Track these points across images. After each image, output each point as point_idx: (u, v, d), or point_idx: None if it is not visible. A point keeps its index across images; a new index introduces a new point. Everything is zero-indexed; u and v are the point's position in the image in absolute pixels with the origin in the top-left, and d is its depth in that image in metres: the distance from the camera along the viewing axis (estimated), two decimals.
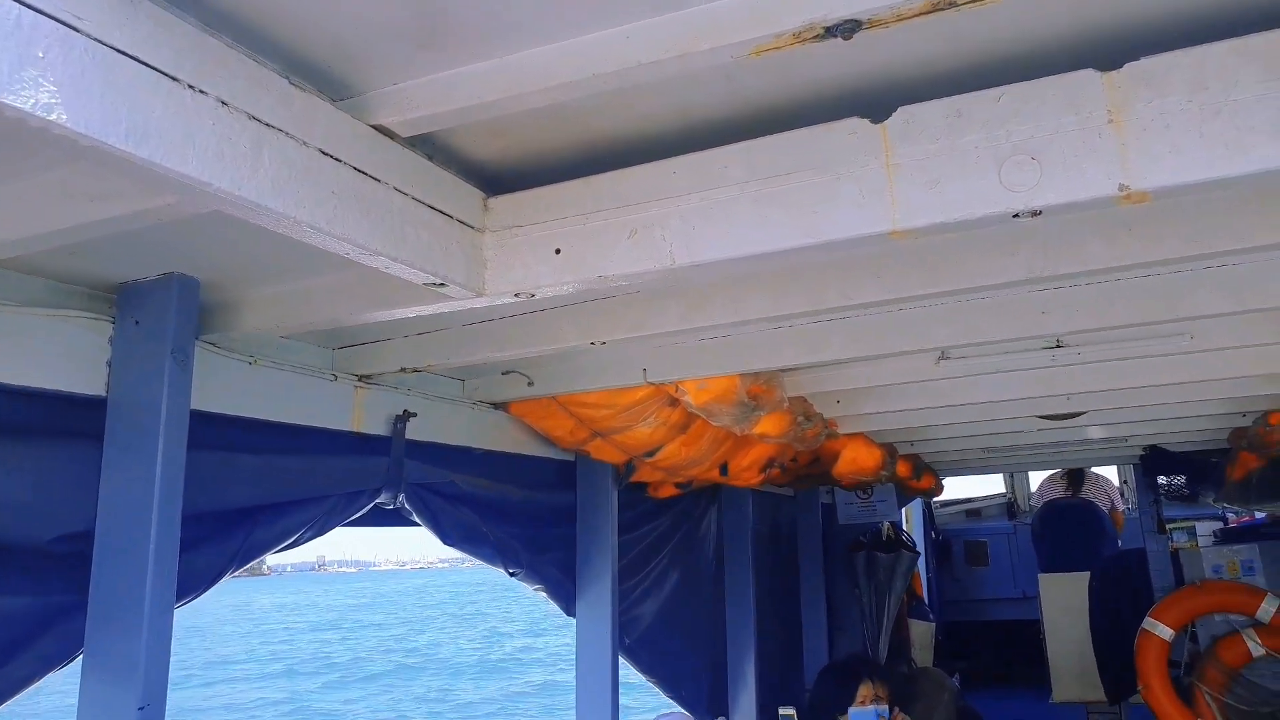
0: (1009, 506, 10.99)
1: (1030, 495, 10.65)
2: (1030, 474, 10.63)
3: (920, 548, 8.03)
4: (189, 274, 1.79)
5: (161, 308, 1.76)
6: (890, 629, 7.10)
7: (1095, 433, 4.61)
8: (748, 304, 1.98)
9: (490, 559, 3.01)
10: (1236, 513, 8.08)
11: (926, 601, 8.66)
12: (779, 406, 2.92)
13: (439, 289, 1.65)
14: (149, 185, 1.27)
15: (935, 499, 9.69)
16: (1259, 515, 7.46)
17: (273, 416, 2.17)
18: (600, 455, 3.38)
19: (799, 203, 1.49)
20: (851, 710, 3.98)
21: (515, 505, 3.15)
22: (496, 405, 3.04)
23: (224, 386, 2.01)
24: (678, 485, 4.09)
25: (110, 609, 1.68)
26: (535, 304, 2.18)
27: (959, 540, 10.42)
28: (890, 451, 4.68)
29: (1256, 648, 5.32)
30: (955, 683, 5.91)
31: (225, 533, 2.01)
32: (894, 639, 7.16)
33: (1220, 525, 8.16)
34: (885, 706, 4.06)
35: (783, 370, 2.85)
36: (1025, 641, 8.82)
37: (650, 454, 3.41)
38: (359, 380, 2.45)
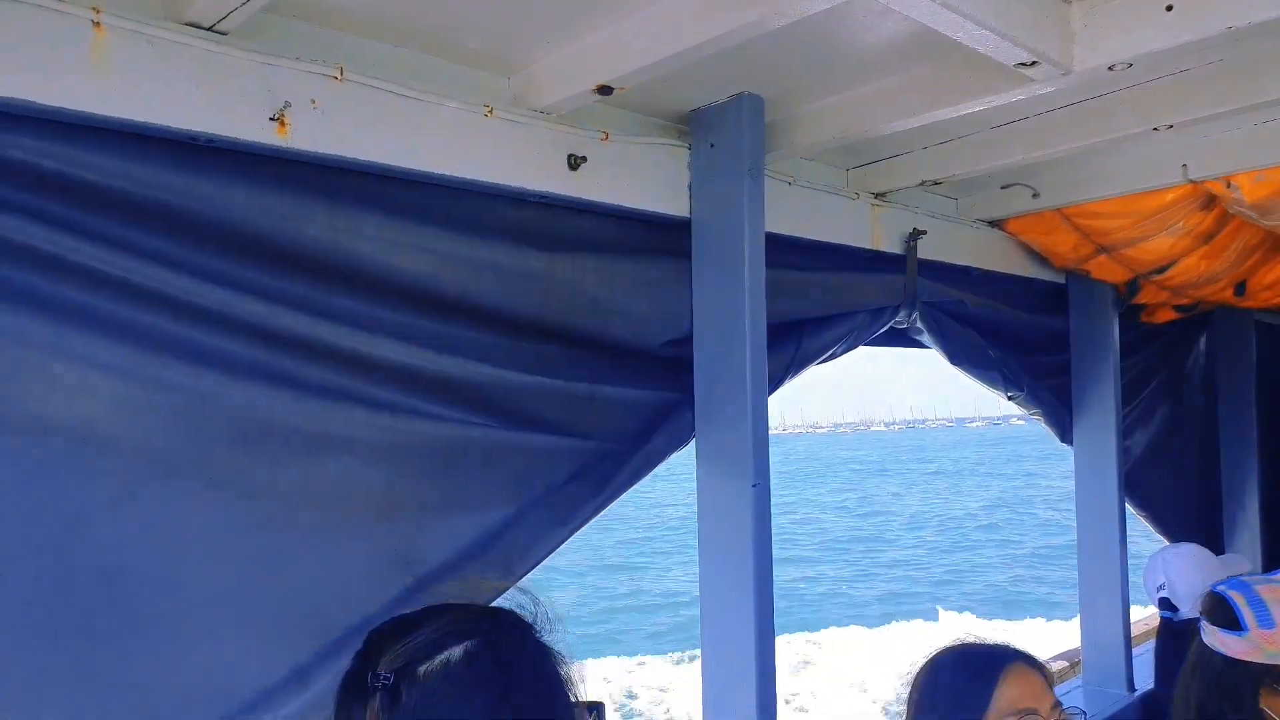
0: None
1: None
2: None
3: None
4: (755, 92, 1.86)
5: (735, 128, 1.87)
6: None
7: None
8: None
9: (992, 381, 2.94)
10: None
11: None
12: None
13: (1028, 69, 1.55)
14: None
15: None
16: None
17: (809, 234, 2.25)
18: (1100, 274, 3.11)
19: None
20: None
21: (1012, 327, 3.03)
22: (992, 223, 2.90)
23: (770, 207, 2.10)
24: (1178, 308, 3.67)
25: (715, 403, 1.89)
26: (1083, 92, 2.00)
27: None
28: None
29: None
30: None
31: (780, 343, 2.15)
32: None
33: None
34: None
35: None
36: None
37: (1161, 270, 3.07)
38: (875, 198, 2.45)
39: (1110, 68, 1.56)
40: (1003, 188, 2.75)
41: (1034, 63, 1.52)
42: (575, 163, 1.76)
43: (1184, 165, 2.41)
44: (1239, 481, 4.46)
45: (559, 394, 1.77)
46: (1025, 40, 1.46)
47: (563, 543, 1.72)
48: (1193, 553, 3.21)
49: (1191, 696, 2.07)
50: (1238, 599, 2.02)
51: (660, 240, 1.95)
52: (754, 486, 1.82)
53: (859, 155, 2.38)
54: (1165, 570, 3.16)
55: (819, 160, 2.35)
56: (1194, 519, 4.32)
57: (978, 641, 1.54)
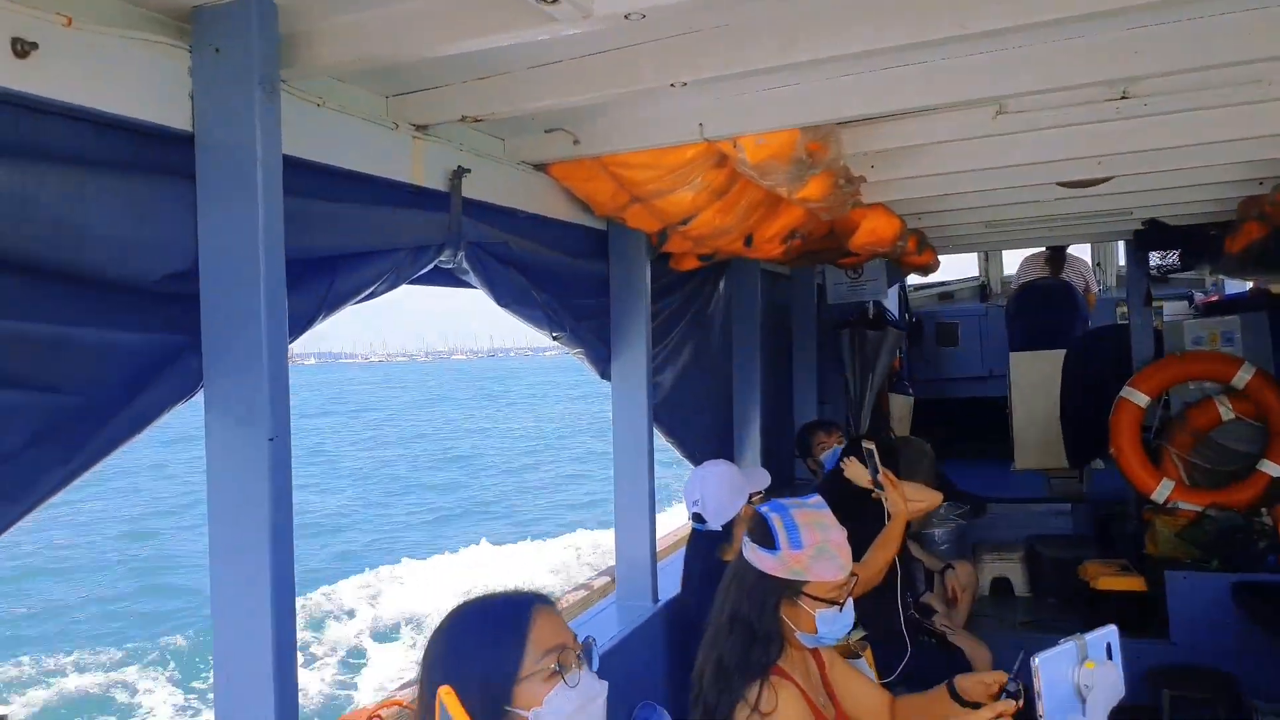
0: (981, 289, 11.25)
1: (1002, 279, 10.90)
2: (1004, 257, 10.84)
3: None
4: None
5: (244, 34, 1.63)
6: (873, 402, 7.43)
7: (1105, 203, 4.64)
8: (850, 34, 1.88)
9: (538, 322, 3.03)
10: (1206, 293, 8.36)
11: (905, 377, 9.00)
12: (834, 165, 2.87)
13: (550, 6, 1.54)
14: None
15: (910, 282, 9.86)
16: (1229, 293, 7.72)
17: (342, 163, 2.08)
18: (635, 222, 3.34)
19: None
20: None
21: (557, 270, 3.14)
22: (537, 166, 2.95)
23: (295, 129, 1.89)
24: (700, 257, 4.09)
25: (227, 348, 1.66)
26: (611, 41, 2.07)
27: (931, 322, 10.69)
28: (904, 223, 4.69)
29: (1227, 412, 5.62)
30: (930, 449, 6.23)
31: (311, 280, 1.97)
32: (875, 412, 7.49)
33: (1188, 305, 8.47)
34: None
35: (843, 122, 2.78)
36: (989, 417, 9.27)
37: (685, 222, 3.37)
38: (416, 130, 2.34)
39: (626, 16, 1.61)
40: (546, 132, 2.80)
41: (555, 1, 1.52)
42: (23, 49, 1.41)
43: (700, 124, 2.63)
44: (746, 409, 5.19)
45: (5, 337, 1.43)
46: None
47: (14, 523, 1.41)
48: (724, 471, 3.58)
49: (728, 601, 2.32)
50: (776, 521, 2.28)
51: (155, 156, 1.66)
52: (271, 440, 1.64)
53: (399, 83, 2.25)
54: (702, 487, 3.51)
55: (355, 83, 2.18)
56: (712, 443, 4.94)
57: (494, 593, 1.55)
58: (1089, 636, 2.22)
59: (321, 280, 2.02)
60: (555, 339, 3.18)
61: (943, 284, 11.37)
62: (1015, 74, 2.29)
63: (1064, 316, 8.44)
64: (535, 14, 1.59)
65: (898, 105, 2.40)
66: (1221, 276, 6.55)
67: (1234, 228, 4.93)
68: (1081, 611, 5.75)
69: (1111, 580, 5.59)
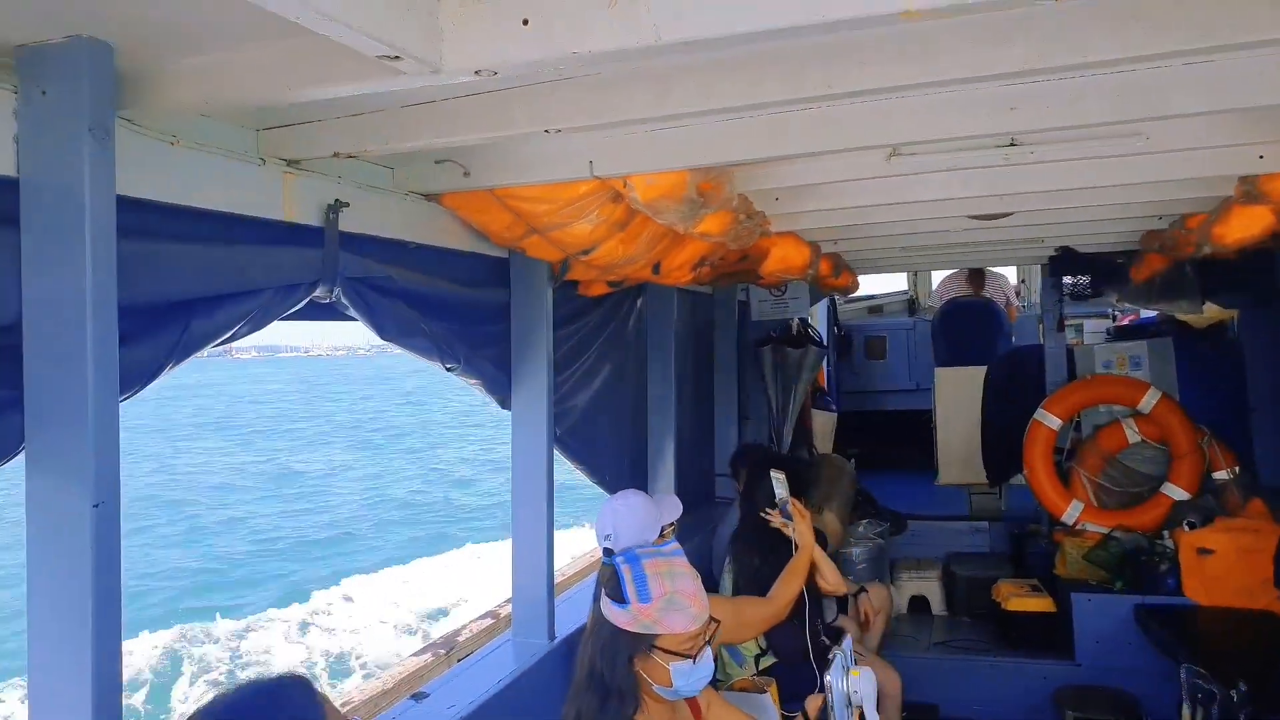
0: (910, 304, 11.40)
1: (931, 293, 11.08)
2: (932, 273, 11.01)
3: (824, 342, 8.31)
4: (100, 37, 1.55)
5: (73, 75, 1.54)
6: (795, 419, 7.46)
7: (1017, 233, 4.72)
8: (719, 90, 1.85)
9: (428, 353, 2.95)
10: (1124, 311, 8.58)
11: (829, 393, 9.06)
12: (727, 204, 2.85)
13: (392, 63, 1.48)
14: None
15: (840, 296, 9.94)
16: (1145, 314, 7.92)
17: (199, 203, 1.99)
18: (535, 252, 3.28)
19: None
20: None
21: (450, 301, 3.06)
22: (429, 196, 2.87)
23: (144, 169, 1.81)
24: (609, 283, 4.05)
25: (50, 405, 1.57)
26: (485, 84, 2.01)
27: (860, 335, 10.79)
28: (815, 250, 4.71)
29: (1134, 435, 5.77)
30: (852, 466, 6.26)
31: (160, 326, 1.88)
32: (797, 428, 7.52)
33: (1109, 324, 8.68)
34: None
35: (731, 165, 2.76)
36: (915, 430, 9.38)
37: (586, 252, 3.32)
38: (287, 165, 2.25)
39: (476, 72, 1.56)
40: (436, 163, 2.73)
41: (397, 57, 1.46)
42: None
43: (590, 162, 2.59)
44: (661, 430, 5.15)
45: None
46: (383, 36, 1.38)
47: None
48: (637, 502, 3.52)
49: (585, 656, 2.30)
50: (626, 573, 2.22)
51: None
52: (96, 507, 1.55)
53: (268, 118, 2.16)
54: (613, 519, 3.45)
55: (222, 119, 2.09)
56: (627, 468, 4.89)
57: (249, 681, 1.46)
58: (844, 647, 2.44)
59: (174, 325, 1.93)
60: (449, 370, 3.11)
61: (871, 298, 11.50)
62: (900, 125, 2.28)
63: (986, 333, 8.60)
64: (383, 69, 1.53)
65: (784, 151, 2.38)
66: (1127, 304, 6.74)
67: (1138, 258, 5.05)
68: (993, 631, 5.83)
69: (1021, 601, 5.69)
